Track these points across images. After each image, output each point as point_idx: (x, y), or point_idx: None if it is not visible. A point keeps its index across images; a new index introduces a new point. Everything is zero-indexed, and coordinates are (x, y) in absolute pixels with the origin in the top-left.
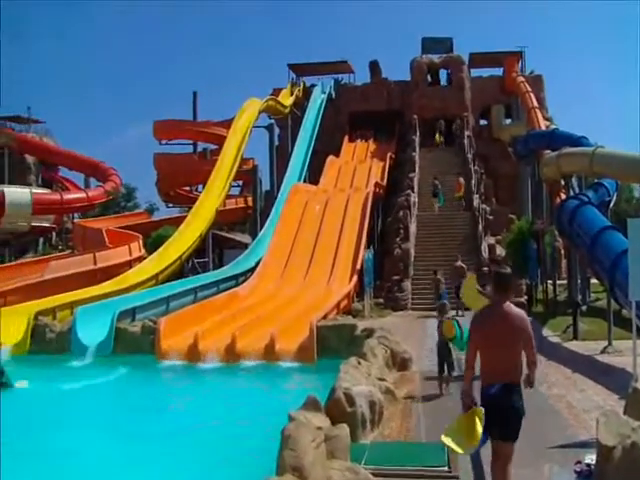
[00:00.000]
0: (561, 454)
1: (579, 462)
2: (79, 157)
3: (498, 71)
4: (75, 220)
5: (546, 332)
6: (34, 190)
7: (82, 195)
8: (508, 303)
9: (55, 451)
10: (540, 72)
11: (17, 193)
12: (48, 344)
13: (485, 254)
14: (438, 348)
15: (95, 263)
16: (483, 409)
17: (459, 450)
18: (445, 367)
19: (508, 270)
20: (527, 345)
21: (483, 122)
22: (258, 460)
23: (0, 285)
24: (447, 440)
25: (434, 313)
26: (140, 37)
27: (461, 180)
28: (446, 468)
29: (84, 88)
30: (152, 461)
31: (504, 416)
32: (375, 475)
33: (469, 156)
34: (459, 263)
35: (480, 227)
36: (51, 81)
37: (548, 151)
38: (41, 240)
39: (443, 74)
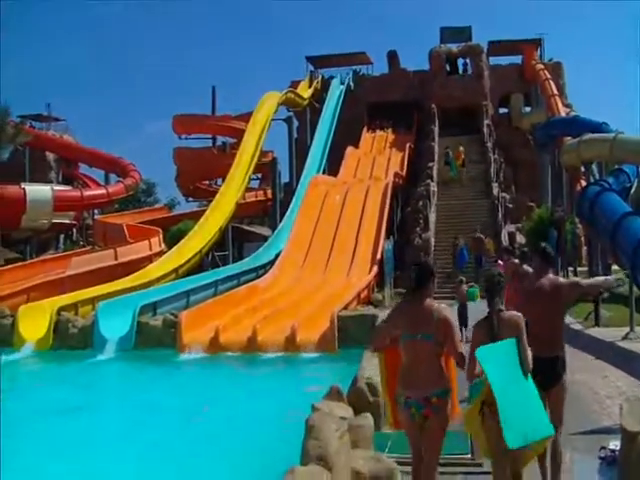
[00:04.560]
0: (585, 440)
1: (603, 448)
2: (99, 154)
3: (517, 59)
4: (96, 216)
5: (568, 319)
6: (55, 187)
7: (102, 191)
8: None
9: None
10: (559, 59)
11: (38, 190)
12: (71, 339)
13: (505, 242)
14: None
15: (116, 258)
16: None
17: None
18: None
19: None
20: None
21: (503, 110)
22: (282, 450)
23: (23, 281)
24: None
25: (454, 302)
26: (158, 32)
27: (460, 149)
28: (469, 455)
29: (103, 85)
30: (175, 450)
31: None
32: (399, 464)
33: (488, 145)
34: (478, 234)
35: (500, 215)
36: (70, 79)
37: (568, 138)
38: (62, 237)
39: (462, 63)
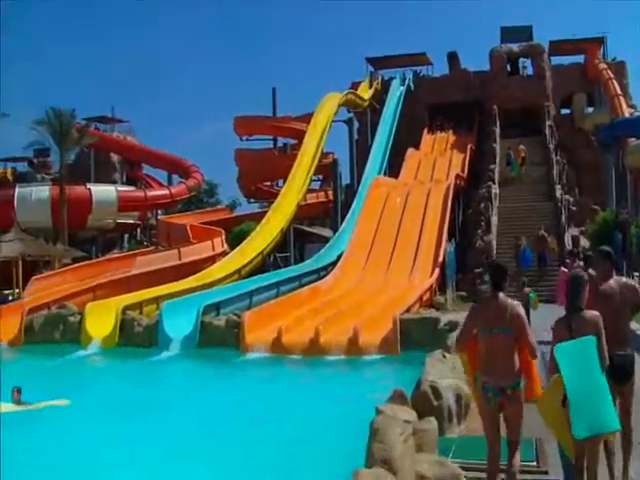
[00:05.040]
0: None
1: None
2: (162, 155)
3: (579, 58)
4: (159, 216)
5: (634, 325)
6: (119, 188)
7: (165, 192)
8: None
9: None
10: (622, 58)
11: (103, 191)
12: (136, 337)
13: (569, 246)
14: None
15: (180, 258)
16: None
17: None
18: None
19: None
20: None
21: (565, 111)
22: (346, 452)
23: (89, 280)
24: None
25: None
26: (219, 33)
27: (521, 147)
28: (534, 463)
29: (166, 86)
30: (236, 450)
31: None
32: (463, 469)
33: (551, 146)
34: (542, 232)
35: (563, 218)
36: (134, 80)
37: (633, 139)
38: (126, 236)
39: (523, 63)
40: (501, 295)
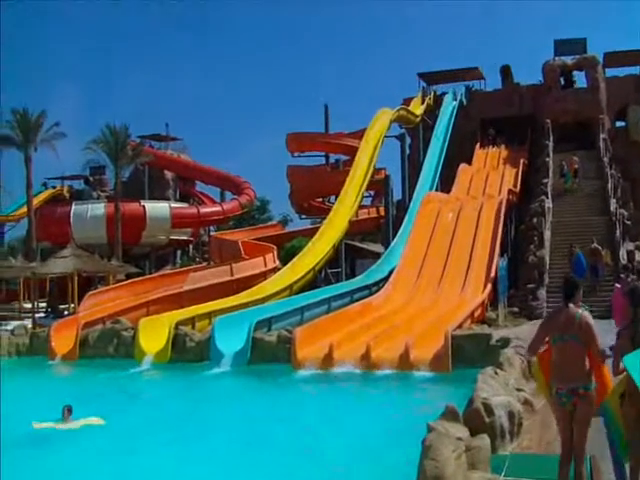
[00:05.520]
0: None
1: None
2: (214, 172)
3: (635, 70)
4: (211, 233)
5: None
6: (173, 204)
7: (218, 208)
8: None
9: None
10: None
11: (157, 208)
12: (188, 352)
13: (624, 260)
14: None
15: (232, 274)
16: None
17: None
18: None
19: None
20: None
21: (620, 124)
22: (397, 469)
23: (143, 295)
24: None
25: None
26: (273, 50)
27: (575, 159)
28: None
29: (219, 103)
30: (287, 467)
31: None
32: None
33: (605, 160)
34: (595, 245)
35: (618, 232)
36: (188, 98)
37: None
38: (179, 252)
39: (578, 76)
40: (571, 306)
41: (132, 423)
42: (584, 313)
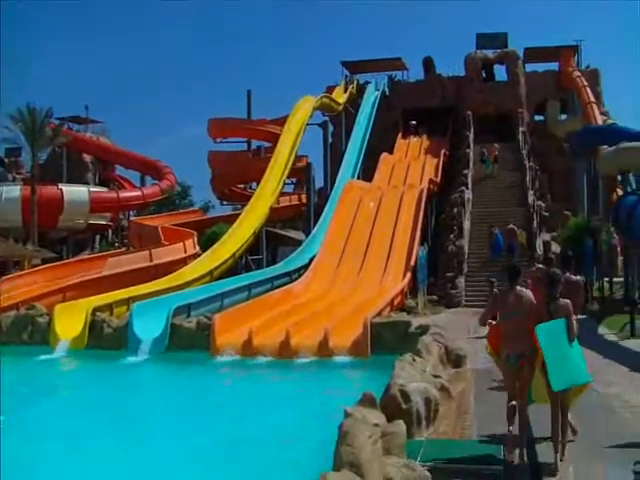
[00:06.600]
0: (620, 454)
1: (638, 462)
2: (135, 156)
3: (554, 65)
4: (131, 218)
5: (602, 330)
6: (92, 188)
7: (138, 193)
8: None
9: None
10: (596, 66)
11: (75, 191)
12: (105, 339)
13: (540, 251)
14: None
15: (151, 260)
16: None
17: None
18: None
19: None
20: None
21: (538, 118)
22: (314, 455)
23: (59, 281)
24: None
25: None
26: (194, 36)
27: (495, 145)
28: (502, 467)
29: (140, 87)
30: (206, 454)
31: None
32: (431, 472)
33: (524, 152)
34: (511, 225)
35: (535, 223)
36: (108, 81)
37: (605, 146)
38: (98, 237)
39: (497, 69)
40: (517, 287)
41: (35, 415)
42: (528, 293)
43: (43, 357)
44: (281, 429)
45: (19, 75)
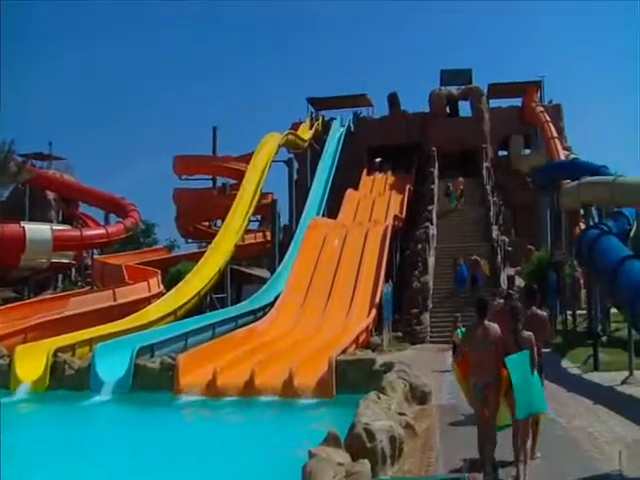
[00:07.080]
0: None
1: None
2: (99, 193)
3: (517, 101)
4: (95, 256)
5: (566, 363)
6: (54, 226)
7: (102, 231)
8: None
9: None
10: (559, 101)
11: (38, 229)
12: (67, 380)
13: (504, 285)
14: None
15: (115, 299)
16: None
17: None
18: None
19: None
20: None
21: (502, 153)
22: None
23: (20, 321)
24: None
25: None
26: (159, 71)
27: (460, 179)
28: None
29: (104, 124)
30: None
31: None
32: None
33: (488, 187)
34: (475, 257)
35: (499, 258)
36: (72, 117)
37: (568, 181)
38: (60, 276)
39: (462, 105)
40: (485, 321)
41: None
42: (495, 327)
43: (3, 400)
44: (244, 470)
45: None
